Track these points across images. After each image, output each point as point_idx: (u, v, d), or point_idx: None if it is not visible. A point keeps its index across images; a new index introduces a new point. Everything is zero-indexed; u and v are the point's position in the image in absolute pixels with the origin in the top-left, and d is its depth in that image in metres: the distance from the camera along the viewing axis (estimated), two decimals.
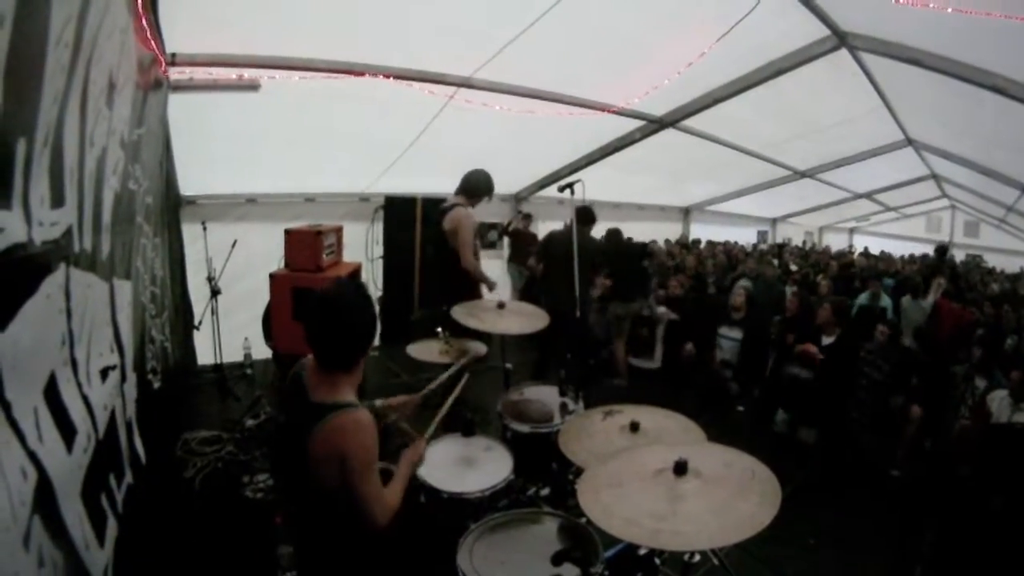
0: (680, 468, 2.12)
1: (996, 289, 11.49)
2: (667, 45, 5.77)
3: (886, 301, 8.72)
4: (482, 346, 4.14)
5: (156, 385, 4.37)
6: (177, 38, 4.49)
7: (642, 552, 2.71)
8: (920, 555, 4.33)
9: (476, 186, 5.40)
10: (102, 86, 2.51)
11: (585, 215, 6.55)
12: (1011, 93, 5.20)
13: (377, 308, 2.73)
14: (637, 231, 11.71)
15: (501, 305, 4.16)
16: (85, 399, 2.19)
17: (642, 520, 1.97)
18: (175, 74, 4.89)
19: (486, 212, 10.20)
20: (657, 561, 2.78)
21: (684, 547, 2.05)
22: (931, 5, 4.34)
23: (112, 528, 2.39)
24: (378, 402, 3.06)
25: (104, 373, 2.57)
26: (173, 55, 4.68)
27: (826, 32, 5.74)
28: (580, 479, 2.31)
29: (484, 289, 5.43)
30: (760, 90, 6.83)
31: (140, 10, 3.46)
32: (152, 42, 3.96)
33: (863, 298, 8.80)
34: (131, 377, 3.26)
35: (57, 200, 1.89)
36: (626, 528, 1.97)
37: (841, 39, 5.81)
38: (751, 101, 7.13)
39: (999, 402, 5.09)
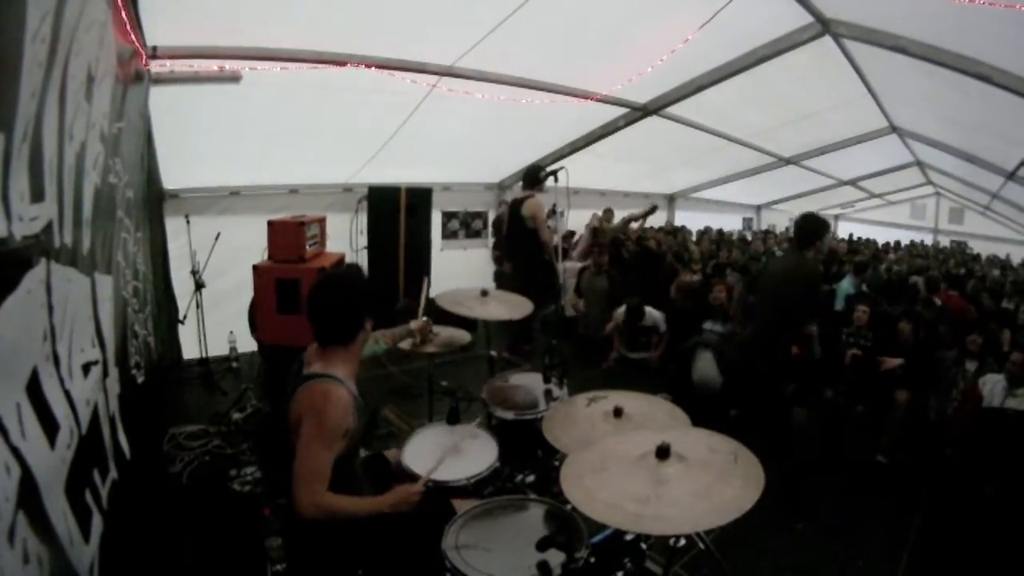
0: (663, 452, 2.14)
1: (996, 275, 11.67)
2: (650, 32, 5.77)
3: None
4: (466, 334, 4.17)
5: (140, 380, 4.35)
6: (158, 31, 4.45)
7: (628, 537, 2.73)
8: (907, 540, 4.39)
9: (533, 176, 6.43)
10: (81, 80, 2.49)
11: (807, 231, 5.30)
12: (997, 81, 5.23)
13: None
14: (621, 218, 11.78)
15: (484, 293, 4.18)
16: (67, 394, 2.18)
17: (625, 504, 1.99)
18: (156, 67, 4.85)
19: (469, 201, 10.26)
20: (643, 546, 2.80)
21: (666, 531, 2.08)
22: None
23: (97, 524, 2.39)
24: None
25: (86, 368, 2.55)
26: (154, 48, 4.64)
27: (810, 19, 5.75)
28: (563, 464, 2.33)
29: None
30: (744, 77, 6.84)
31: (120, 3, 3.44)
32: (132, 35, 3.93)
33: (847, 286, 8.90)
34: (113, 372, 3.24)
35: (37, 195, 1.88)
36: (608, 512, 1.99)
37: (825, 26, 5.82)
38: (735, 88, 7.15)
39: (992, 386, 5.11)
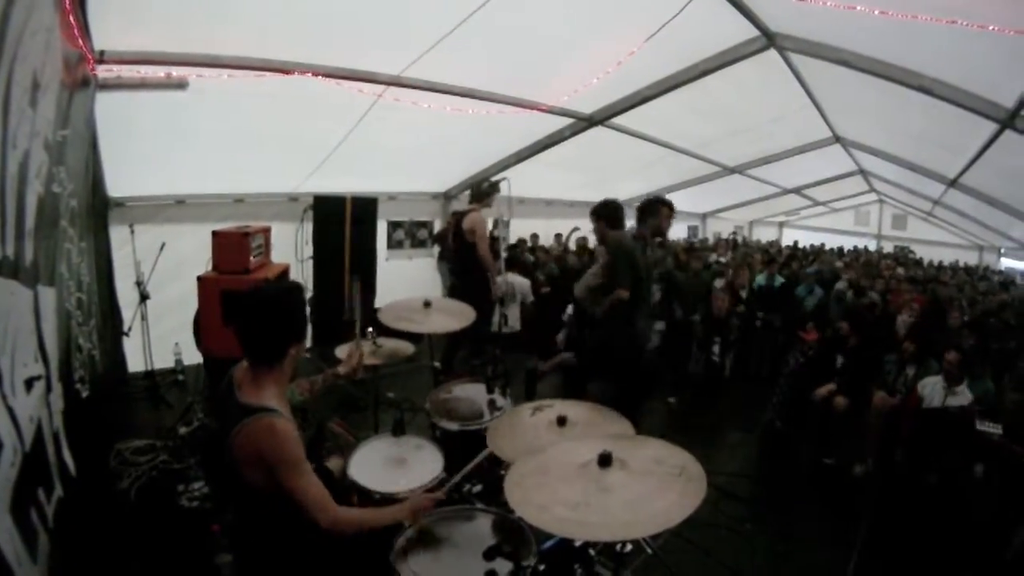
0: (604, 460, 2.17)
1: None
2: (597, 44, 5.86)
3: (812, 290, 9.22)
4: (409, 346, 4.18)
5: (84, 394, 4.26)
6: (106, 35, 4.38)
7: (578, 544, 2.77)
8: (855, 540, 4.47)
9: (480, 192, 6.70)
10: (25, 86, 2.46)
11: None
12: (937, 93, 5.49)
13: (307, 309, 2.71)
14: (567, 228, 12.05)
15: (427, 303, 4.18)
16: (10, 411, 2.15)
17: (554, 508, 2.01)
18: (103, 72, 4.75)
19: (415, 211, 10.28)
20: (591, 552, 2.85)
21: (588, 536, 2.20)
22: (858, 8, 4.50)
23: (44, 543, 2.35)
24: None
25: (29, 384, 2.51)
26: (101, 52, 4.55)
27: (756, 33, 5.90)
28: (509, 469, 2.36)
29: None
30: (689, 88, 6.96)
31: (68, 7, 3.39)
32: (80, 39, 3.87)
33: (760, 278, 9.32)
34: (57, 387, 3.18)
35: None
36: (537, 515, 2.01)
37: (770, 40, 5.98)
38: (680, 99, 7.27)
39: (931, 388, 5.26)
